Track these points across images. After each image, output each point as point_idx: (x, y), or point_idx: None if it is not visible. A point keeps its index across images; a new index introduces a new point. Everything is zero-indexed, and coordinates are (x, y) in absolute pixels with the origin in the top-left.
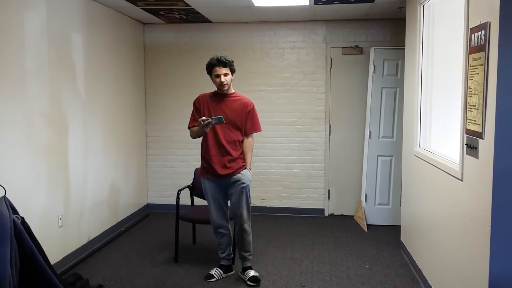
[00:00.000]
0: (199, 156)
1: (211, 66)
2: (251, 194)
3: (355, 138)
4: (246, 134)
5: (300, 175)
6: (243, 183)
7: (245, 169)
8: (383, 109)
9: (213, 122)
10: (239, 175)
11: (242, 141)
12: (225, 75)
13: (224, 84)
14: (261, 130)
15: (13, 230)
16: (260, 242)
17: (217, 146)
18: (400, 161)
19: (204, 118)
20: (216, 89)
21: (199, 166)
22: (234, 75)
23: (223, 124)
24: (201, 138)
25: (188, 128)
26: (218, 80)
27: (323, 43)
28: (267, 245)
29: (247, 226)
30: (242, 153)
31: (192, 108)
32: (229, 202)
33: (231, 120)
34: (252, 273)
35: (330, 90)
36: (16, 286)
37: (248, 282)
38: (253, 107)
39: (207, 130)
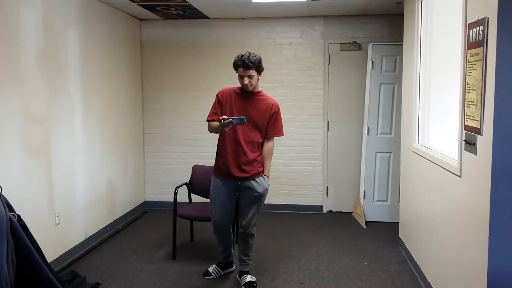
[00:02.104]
0: (196, 153)
1: (236, 66)
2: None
3: (353, 135)
4: (267, 137)
5: (298, 172)
6: (258, 192)
7: (261, 176)
8: (381, 106)
9: (234, 122)
10: (253, 182)
11: (262, 144)
12: (250, 77)
13: (248, 86)
14: (283, 135)
15: (9, 228)
16: (258, 239)
17: (235, 145)
18: (399, 158)
19: (225, 117)
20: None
21: (197, 163)
22: (261, 74)
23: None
24: (218, 134)
25: (207, 120)
26: (241, 81)
27: (321, 39)
28: (265, 242)
29: (253, 231)
30: (260, 155)
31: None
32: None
33: (253, 119)
34: (248, 278)
35: (328, 86)
36: (13, 284)
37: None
38: (278, 110)
39: (227, 130)
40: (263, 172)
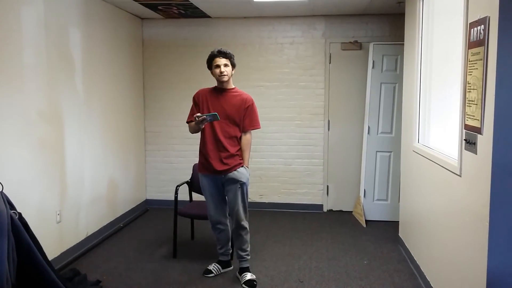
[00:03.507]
0: (198, 152)
1: (212, 58)
2: (249, 190)
3: (354, 134)
4: (244, 130)
5: (299, 170)
6: (239, 181)
7: (241, 167)
8: (382, 105)
9: (208, 119)
10: (235, 172)
11: (241, 138)
12: (225, 65)
13: (224, 75)
14: (259, 127)
15: (10, 225)
16: (258, 238)
17: (214, 141)
18: (399, 157)
19: (198, 114)
20: (216, 84)
21: (197, 162)
22: (234, 69)
23: (221, 119)
24: (200, 133)
25: (187, 122)
26: (218, 70)
27: (322, 38)
28: (265, 241)
29: (244, 224)
30: (240, 150)
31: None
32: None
33: (229, 115)
34: (248, 276)
35: (329, 85)
36: (14, 282)
37: (243, 286)
38: (253, 103)
39: (202, 126)
40: (242, 163)
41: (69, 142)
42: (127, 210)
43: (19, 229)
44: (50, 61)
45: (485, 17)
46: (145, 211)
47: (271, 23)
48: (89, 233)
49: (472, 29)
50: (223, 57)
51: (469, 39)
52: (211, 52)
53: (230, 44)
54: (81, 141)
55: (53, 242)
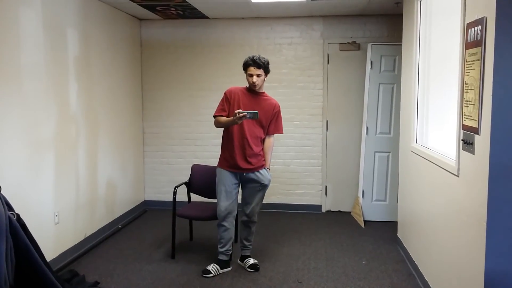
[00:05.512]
0: (196, 152)
1: (246, 65)
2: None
3: (352, 134)
4: (269, 133)
5: (297, 171)
6: (262, 183)
7: (264, 168)
8: (380, 105)
9: (248, 116)
10: (257, 174)
11: (263, 140)
12: (258, 76)
13: (256, 84)
14: (282, 133)
15: (8, 227)
16: (257, 238)
17: (241, 139)
18: (397, 157)
19: (240, 110)
20: (247, 85)
21: (196, 163)
22: (267, 75)
23: (249, 119)
24: (222, 130)
25: (214, 116)
26: (250, 79)
27: (320, 39)
28: (264, 241)
29: (255, 218)
30: (262, 150)
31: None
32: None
33: (259, 117)
34: (251, 261)
35: (327, 86)
36: (12, 283)
37: (248, 269)
38: (280, 109)
39: (239, 122)
40: (265, 165)
41: (66, 143)
42: (125, 211)
43: (17, 230)
44: (48, 62)
45: (482, 18)
46: (144, 212)
47: (269, 24)
48: (88, 234)
49: (469, 30)
50: (257, 67)
51: (466, 39)
52: (247, 58)
53: (228, 45)
54: (79, 142)
55: (51, 243)
